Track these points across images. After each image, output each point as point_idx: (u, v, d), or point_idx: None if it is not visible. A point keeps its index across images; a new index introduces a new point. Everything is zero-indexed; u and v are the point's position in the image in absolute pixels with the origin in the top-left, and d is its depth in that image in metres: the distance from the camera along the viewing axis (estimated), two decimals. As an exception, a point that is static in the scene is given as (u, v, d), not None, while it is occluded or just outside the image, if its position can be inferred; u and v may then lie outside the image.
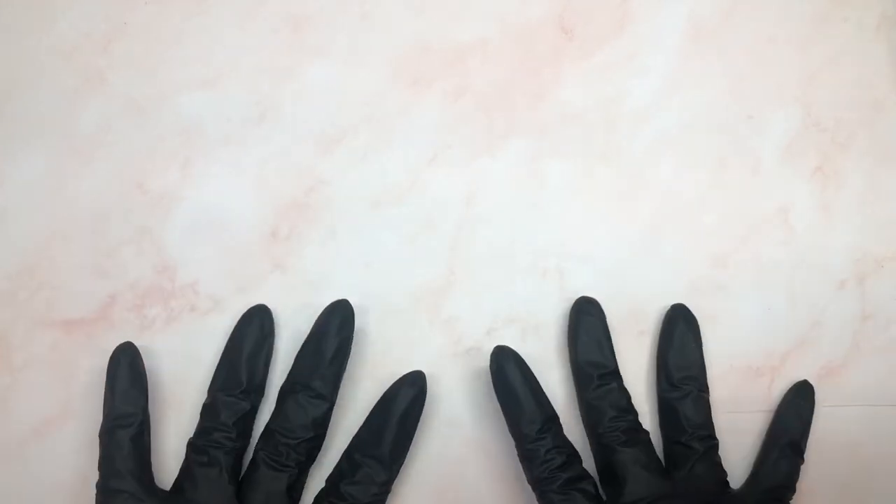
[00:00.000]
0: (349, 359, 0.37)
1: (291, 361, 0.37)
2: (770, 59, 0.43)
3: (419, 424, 0.36)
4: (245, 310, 0.38)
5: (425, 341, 0.39)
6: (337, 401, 0.37)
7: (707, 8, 0.43)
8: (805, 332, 0.40)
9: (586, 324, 0.38)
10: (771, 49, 0.43)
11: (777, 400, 0.39)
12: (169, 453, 0.38)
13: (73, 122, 0.41)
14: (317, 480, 0.37)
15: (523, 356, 0.38)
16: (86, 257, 0.40)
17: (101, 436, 0.35)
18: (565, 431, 0.37)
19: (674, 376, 0.38)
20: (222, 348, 0.37)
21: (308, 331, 0.38)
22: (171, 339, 0.39)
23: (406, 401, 0.36)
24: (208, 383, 0.37)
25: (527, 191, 0.41)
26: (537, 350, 0.39)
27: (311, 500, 0.36)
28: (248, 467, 0.36)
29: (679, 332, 0.38)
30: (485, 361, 0.38)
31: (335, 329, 0.36)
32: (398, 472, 0.36)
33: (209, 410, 0.36)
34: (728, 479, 0.37)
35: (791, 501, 0.36)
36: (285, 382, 0.36)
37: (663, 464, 0.37)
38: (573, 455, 0.36)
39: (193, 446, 0.36)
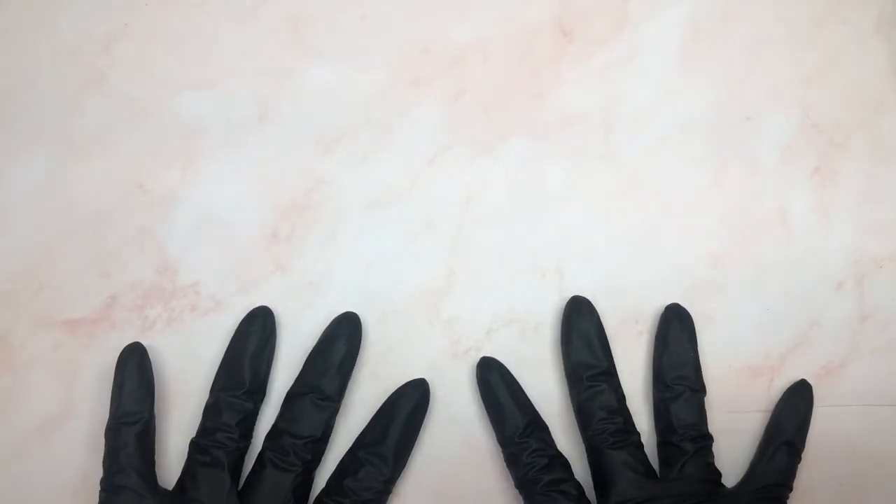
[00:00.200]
0: (355, 368, 0.38)
1: (292, 362, 0.38)
2: (769, 61, 0.43)
3: (422, 427, 0.37)
4: (246, 310, 0.38)
5: (425, 341, 0.39)
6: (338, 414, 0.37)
7: (706, 9, 0.43)
8: (803, 333, 0.40)
9: (578, 324, 0.38)
10: (769, 50, 0.43)
11: (776, 400, 0.39)
12: (170, 453, 0.38)
13: (74, 123, 0.41)
14: (318, 482, 0.37)
15: (522, 356, 0.39)
16: (87, 258, 0.40)
17: (106, 433, 0.35)
18: (565, 432, 0.38)
19: (667, 376, 0.38)
20: (224, 348, 0.38)
21: (308, 331, 0.38)
22: (172, 339, 0.39)
23: (411, 402, 0.37)
24: (209, 383, 0.37)
25: (526, 191, 0.41)
26: (537, 350, 0.39)
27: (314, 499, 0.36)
28: (254, 466, 0.36)
29: (673, 332, 0.38)
30: (485, 361, 0.39)
31: (344, 337, 0.37)
32: (401, 471, 0.36)
33: (212, 410, 0.36)
34: (723, 478, 0.37)
35: (789, 501, 0.37)
36: (294, 385, 0.37)
37: (655, 464, 0.37)
38: (556, 457, 0.36)
39: (196, 446, 0.36)
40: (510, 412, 0.36)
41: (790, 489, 0.37)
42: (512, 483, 0.37)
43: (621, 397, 0.37)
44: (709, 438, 0.37)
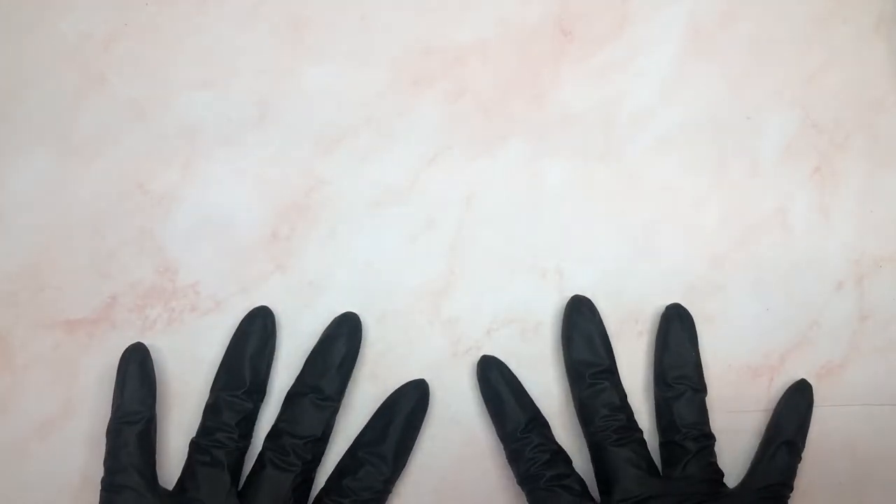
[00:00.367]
0: (355, 367, 0.38)
1: (293, 362, 0.38)
2: (769, 60, 0.43)
3: (422, 427, 0.38)
4: (246, 310, 0.38)
5: (425, 341, 0.39)
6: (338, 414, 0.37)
7: (706, 9, 0.43)
8: (803, 333, 0.40)
9: (579, 322, 0.38)
10: (770, 50, 0.43)
11: (776, 400, 0.39)
12: (170, 452, 0.38)
13: (74, 123, 0.41)
14: (318, 481, 0.37)
15: (522, 356, 0.39)
16: (87, 258, 0.40)
17: (108, 433, 0.35)
18: (566, 429, 0.38)
19: (668, 375, 0.38)
20: (224, 348, 0.38)
21: (308, 331, 0.38)
22: (173, 339, 0.39)
23: (411, 402, 0.37)
24: (209, 383, 0.37)
25: (527, 191, 0.41)
26: (537, 350, 0.39)
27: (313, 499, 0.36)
28: (254, 466, 0.36)
29: (674, 331, 0.38)
30: (485, 361, 0.39)
31: (344, 337, 0.37)
32: (401, 470, 0.36)
33: (212, 410, 0.36)
34: (725, 478, 0.37)
35: (790, 500, 0.37)
36: (294, 385, 0.37)
37: (657, 463, 0.37)
38: (558, 453, 0.36)
39: (196, 446, 0.36)
40: (511, 409, 0.37)
41: (791, 488, 0.37)
42: (514, 481, 0.37)
43: (623, 395, 0.37)
44: (711, 438, 0.37)
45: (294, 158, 0.41)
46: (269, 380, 0.38)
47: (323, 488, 0.36)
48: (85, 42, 0.42)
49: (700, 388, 0.38)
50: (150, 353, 0.37)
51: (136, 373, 0.36)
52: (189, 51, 0.42)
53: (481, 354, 0.39)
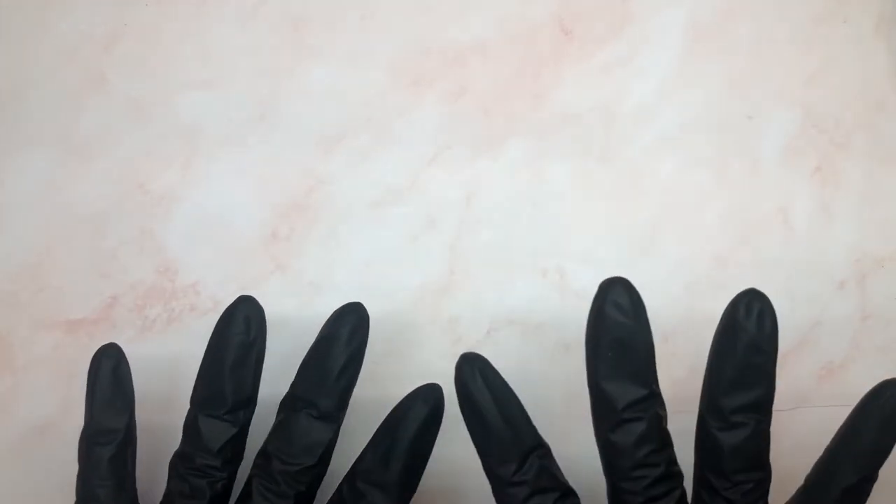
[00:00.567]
0: (360, 372, 0.32)
1: (294, 364, 0.36)
2: (769, 60, 0.43)
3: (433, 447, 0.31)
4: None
5: (425, 341, 0.39)
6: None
7: (706, 8, 0.43)
8: (805, 332, 0.40)
9: (614, 324, 0.28)
10: (770, 49, 0.43)
11: (779, 398, 0.38)
12: (167, 458, 0.37)
13: (74, 123, 0.41)
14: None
15: (523, 357, 0.37)
16: (87, 258, 0.40)
17: (80, 442, 0.32)
18: (568, 438, 0.32)
19: (725, 402, 0.27)
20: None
21: (308, 331, 0.34)
22: (172, 339, 0.39)
23: (418, 421, 0.30)
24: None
25: (527, 190, 0.41)
26: (537, 351, 0.39)
27: None
28: (241, 494, 0.31)
29: (745, 332, 0.28)
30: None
31: (345, 337, 0.31)
32: (409, 500, 0.31)
33: (191, 430, 0.31)
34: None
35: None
36: (287, 395, 0.32)
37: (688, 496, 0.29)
38: (562, 497, 0.28)
39: (174, 471, 0.31)
40: (502, 440, 0.28)
41: None
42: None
43: (662, 425, 0.28)
44: (767, 482, 0.28)
45: (294, 158, 0.41)
46: (264, 383, 0.33)
47: None
48: (85, 42, 0.42)
49: (767, 421, 0.28)
50: (143, 353, 0.34)
51: (108, 382, 0.31)
52: (189, 51, 0.42)
53: (461, 355, 0.30)
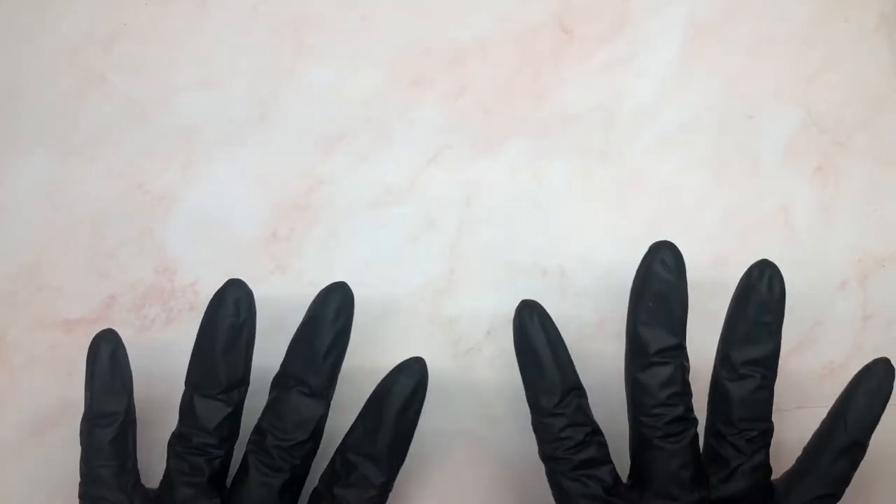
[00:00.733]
0: (347, 349, 0.34)
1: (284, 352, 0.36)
2: (770, 59, 0.43)
3: (419, 417, 0.33)
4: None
5: (425, 341, 0.39)
6: (334, 402, 0.34)
7: (707, 8, 0.43)
8: (806, 332, 0.40)
9: (658, 279, 0.31)
10: (771, 49, 0.43)
11: (780, 398, 0.38)
12: (162, 458, 0.37)
13: (74, 123, 0.41)
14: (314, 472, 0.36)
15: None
16: (86, 257, 0.40)
17: (81, 425, 0.32)
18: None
19: (736, 354, 0.32)
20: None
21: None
22: (171, 338, 0.39)
23: (404, 393, 0.32)
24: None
25: (527, 191, 0.41)
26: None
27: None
28: (238, 470, 0.33)
29: (755, 298, 0.32)
30: (485, 362, 0.38)
31: (331, 316, 0.32)
32: (397, 471, 0.33)
33: (187, 410, 0.32)
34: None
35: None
36: (278, 374, 0.33)
37: (701, 445, 0.33)
38: (593, 433, 0.32)
39: (173, 450, 0.32)
40: (549, 374, 0.31)
41: (841, 497, 0.32)
42: (514, 483, 0.36)
43: (686, 378, 0.32)
44: (769, 433, 0.32)
45: (294, 158, 0.41)
46: (262, 372, 0.34)
47: (313, 493, 0.33)
48: (85, 42, 0.42)
49: (772, 376, 0.32)
50: (142, 352, 0.35)
51: (106, 366, 0.32)
52: (189, 51, 0.42)
53: (521, 300, 0.33)
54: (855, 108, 0.42)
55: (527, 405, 0.33)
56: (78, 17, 0.42)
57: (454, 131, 0.42)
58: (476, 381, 0.39)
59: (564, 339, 0.34)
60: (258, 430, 0.32)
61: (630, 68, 0.43)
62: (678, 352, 0.32)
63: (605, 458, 0.32)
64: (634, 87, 0.42)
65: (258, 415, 0.33)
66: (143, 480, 0.34)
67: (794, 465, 0.33)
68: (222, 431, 0.32)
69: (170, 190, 0.41)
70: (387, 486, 0.32)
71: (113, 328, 0.33)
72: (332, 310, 0.32)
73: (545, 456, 0.32)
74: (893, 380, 0.32)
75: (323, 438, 0.34)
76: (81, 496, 0.32)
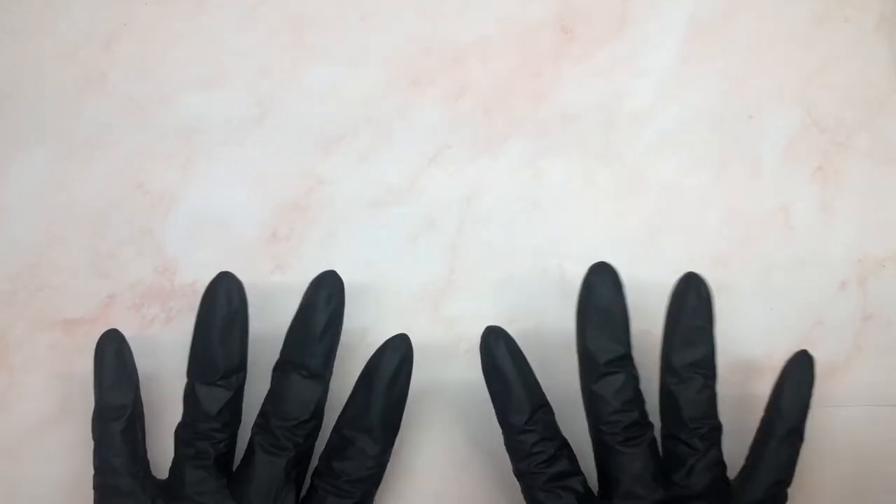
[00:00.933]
0: (341, 332, 0.35)
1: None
2: (770, 59, 0.43)
3: (408, 390, 0.34)
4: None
5: (425, 341, 0.39)
6: (337, 397, 0.35)
7: (707, 8, 0.43)
8: (806, 333, 0.40)
9: (599, 296, 0.34)
10: (771, 49, 0.43)
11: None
12: (167, 453, 0.37)
13: (74, 123, 0.41)
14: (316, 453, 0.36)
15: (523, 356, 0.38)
16: (86, 257, 0.40)
17: (93, 421, 0.34)
18: (563, 423, 0.35)
19: (677, 360, 0.34)
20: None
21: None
22: (171, 338, 0.39)
23: (391, 367, 0.34)
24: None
25: (527, 191, 0.41)
26: (538, 350, 0.39)
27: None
28: (246, 452, 0.34)
29: (688, 308, 0.34)
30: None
31: (323, 302, 0.34)
32: (392, 442, 0.34)
33: (189, 400, 0.34)
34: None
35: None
36: (277, 362, 0.35)
37: (661, 452, 0.35)
38: (562, 448, 0.34)
39: (180, 438, 0.34)
40: (516, 394, 0.33)
41: (791, 482, 0.34)
42: (513, 483, 0.36)
43: (637, 386, 0.34)
44: (719, 431, 0.34)
45: (294, 158, 0.41)
46: (253, 352, 0.35)
47: (314, 472, 0.34)
48: (85, 42, 0.42)
49: (712, 376, 0.34)
50: (141, 351, 0.35)
51: (113, 364, 0.34)
52: (189, 51, 0.42)
53: (486, 326, 0.35)
54: (855, 108, 0.42)
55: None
56: (78, 17, 0.42)
57: (454, 131, 0.42)
58: (476, 381, 0.39)
59: (564, 338, 0.35)
60: (262, 415, 0.34)
61: (630, 68, 0.43)
62: (626, 361, 0.34)
63: (576, 470, 0.34)
64: (634, 87, 0.42)
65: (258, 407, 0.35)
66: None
67: (744, 462, 0.35)
68: (224, 416, 0.34)
69: (170, 190, 0.41)
70: (383, 458, 0.34)
71: (116, 328, 0.35)
72: (324, 296, 0.34)
73: (519, 473, 0.34)
74: (814, 368, 0.35)
75: (322, 426, 0.35)
76: (96, 486, 0.34)
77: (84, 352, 0.38)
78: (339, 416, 0.34)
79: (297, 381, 0.34)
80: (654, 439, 0.34)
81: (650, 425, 0.34)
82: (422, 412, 0.38)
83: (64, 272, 0.39)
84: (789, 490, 0.34)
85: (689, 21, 0.43)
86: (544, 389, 0.36)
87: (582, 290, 0.35)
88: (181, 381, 0.38)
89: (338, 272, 0.35)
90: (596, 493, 0.34)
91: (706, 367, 0.34)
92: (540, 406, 0.34)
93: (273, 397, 0.34)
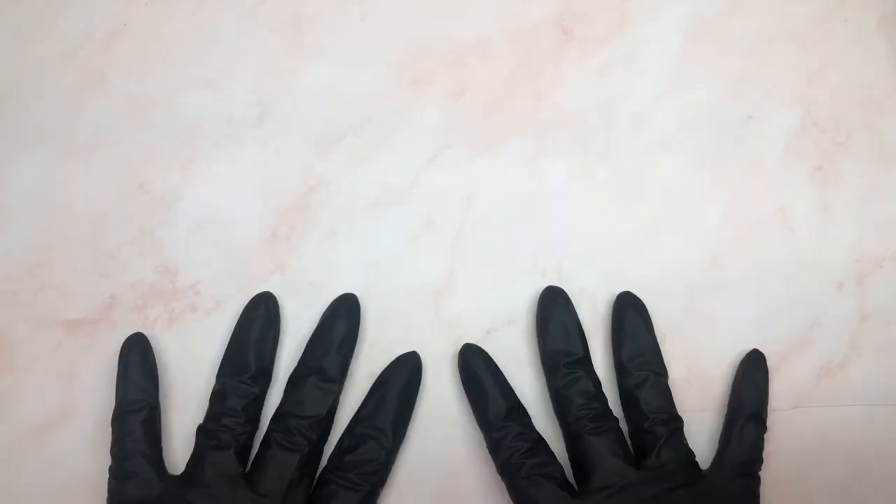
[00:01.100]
0: (355, 350, 0.38)
1: (294, 357, 0.38)
2: (770, 59, 0.43)
3: (417, 402, 0.38)
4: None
5: (425, 341, 0.39)
6: (341, 403, 0.37)
7: (707, 8, 0.43)
8: (804, 333, 0.40)
9: (554, 313, 0.38)
10: (771, 49, 0.43)
11: (777, 398, 0.39)
12: (173, 451, 0.38)
13: (74, 123, 0.41)
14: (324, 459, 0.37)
15: (522, 356, 0.39)
16: (87, 258, 0.40)
17: (112, 421, 0.36)
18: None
19: (629, 363, 0.38)
20: (224, 346, 0.38)
21: (308, 330, 0.38)
22: (173, 338, 0.39)
23: (404, 376, 0.37)
24: (210, 382, 0.37)
25: (527, 191, 0.41)
26: (537, 350, 0.39)
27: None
28: (260, 448, 0.36)
29: (629, 319, 0.38)
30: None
31: (343, 318, 0.38)
32: (401, 443, 0.37)
33: (218, 396, 0.37)
34: (698, 458, 0.37)
35: (760, 472, 0.37)
36: (296, 368, 0.37)
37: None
38: (539, 441, 0.36)
39: (204, 431, 0.36)
40: (493, 398, 0.37)
41: (762, 461, 0.37)
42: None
43: (598, 383, 0.37)
44: (679, 420, 0.37)
45: (294, 158, 0.41)
46: (275, 366, 0.38)
47: (326, 466, 0.36)
48: (85, 42, 0.42)
49: (662, 372, 0.38)
50: (151, 343, 0.38)
51: (138, 362, 0.37)
52: (189, 51, 0.42)
53: (463, 344, 0.38)
54: (854, 108, 0.42)
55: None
56: (78, 17, 0.42)
57: (454, 131, 0.42)
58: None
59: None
60: (279, 414, 0.37)
61: (630, 68, 0.43)
62: (584, 363, 0.38)
63: (552, 460, 0.36)
64: (634, 87, 0.42)
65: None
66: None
67: (716, 452, 0.38)
68: (248, 412, 0.36)
69: (170, 190, 0.41)
70: (391, 457, 0.36)
71: (142, 332, 0.38)
72: (343, 313, 0.38)
73: (502, 467, 0.36)
74: (766, 364, 0.39)
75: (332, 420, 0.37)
76: (114, 473, 0.35)
77: (87, 352, 0.39)
78: (352, 419, 0.37)
79: (315, 382, 0.37)
80: (619, 429, 0.37)
81: (615, 419, 0.37)
82: (422, 412, 0.38)
83: (65, 272, 0.39)
84: (788, 490, 0.36)
85: (688, 21, 0.43)
86: (543, 392, 0.37)
87: (538, 310, 0.39)
88: (182, 382, 0.38)
89: (355, 295, 0.39)
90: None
91: (655, 362, 0.38)
92: (515, 406, 0.37)
93: (291, 398, 0.37)
